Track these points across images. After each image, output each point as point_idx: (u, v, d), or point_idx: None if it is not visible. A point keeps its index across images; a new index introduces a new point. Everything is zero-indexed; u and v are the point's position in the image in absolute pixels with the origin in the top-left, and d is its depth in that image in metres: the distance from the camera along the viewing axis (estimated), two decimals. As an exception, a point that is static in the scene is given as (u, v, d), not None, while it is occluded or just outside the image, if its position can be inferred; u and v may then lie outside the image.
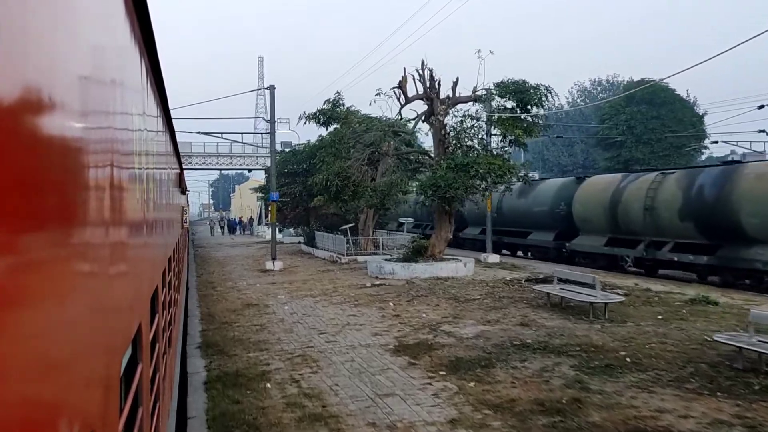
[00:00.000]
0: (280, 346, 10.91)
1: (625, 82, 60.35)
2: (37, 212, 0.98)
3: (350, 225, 27.61)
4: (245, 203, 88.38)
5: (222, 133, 26.91)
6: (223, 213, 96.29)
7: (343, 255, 25.93)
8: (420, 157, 22.31)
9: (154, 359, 3.14)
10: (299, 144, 38.17)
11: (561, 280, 13.91)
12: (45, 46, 1.01)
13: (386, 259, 21.24)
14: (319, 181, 19.94)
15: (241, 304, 15.72)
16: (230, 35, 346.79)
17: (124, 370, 1.99)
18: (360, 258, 25.49)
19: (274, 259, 24.02)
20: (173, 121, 6.85)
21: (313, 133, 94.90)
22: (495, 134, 19.98)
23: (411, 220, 30.76)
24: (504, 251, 28.84)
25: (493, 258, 25.07)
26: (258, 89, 60.69)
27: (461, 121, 20.13)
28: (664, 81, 40.51)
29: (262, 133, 31.55)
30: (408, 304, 14.71)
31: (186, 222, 18.55)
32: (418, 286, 17.42)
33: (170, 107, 5.74)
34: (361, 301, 15.39)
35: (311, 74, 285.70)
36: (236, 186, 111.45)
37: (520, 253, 29.25)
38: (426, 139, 27.96)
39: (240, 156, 59.67)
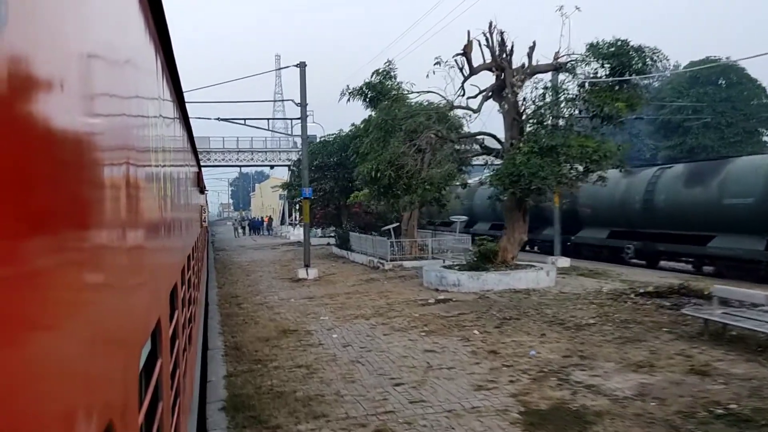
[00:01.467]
0: (343, 409, 7.33)
1: (671, 66, 55.63)
2: (65, 208, 1.03)
3: (394, 225, 23.80)
4: (266, 202, 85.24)
5: (245, 119, 23.32)
6: (244, 213, 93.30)
7: (386, 260, 22.23)
8: (483, 141, 18.43)
9: (174, 355, 3.11)
10: (328, 134, 34.52)
11: (724, 301, 10.00)
12: (58, 41, 0.99)
13: (445, 266, 17.50)
14: (368, 172, 16.30)
15: (276, 329, 12.17)
16: (247, 32, 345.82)
17: (144, 364, 1.96)
18: (406, 264, 21.83)
19: (307, 266, 20.41)
20: (188, 107, 6.61)
21: (342, 123, 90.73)
22: (586, 109, 15.79)
23: (465, 218, 26.64)
24: (635, 260, 22.37)
25: (563, 261, 21.24)
26: (279, 67, 57.06)
27: (543, 94, 16.12)
28: (734, 61, 35.92)
29: (291, 119, 27.86)
30: (499, 333, 11.00)
31: (205, 221, 16.75)
32: (498, 303, 13.68)
33: (185, 98, 5.49)
34: (432, 326, 11.73)
35: (335, 66, 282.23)
36: (256, 184, 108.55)
37: (670, 264, 21.19)
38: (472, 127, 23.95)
39: (262, 151, 56.08)
